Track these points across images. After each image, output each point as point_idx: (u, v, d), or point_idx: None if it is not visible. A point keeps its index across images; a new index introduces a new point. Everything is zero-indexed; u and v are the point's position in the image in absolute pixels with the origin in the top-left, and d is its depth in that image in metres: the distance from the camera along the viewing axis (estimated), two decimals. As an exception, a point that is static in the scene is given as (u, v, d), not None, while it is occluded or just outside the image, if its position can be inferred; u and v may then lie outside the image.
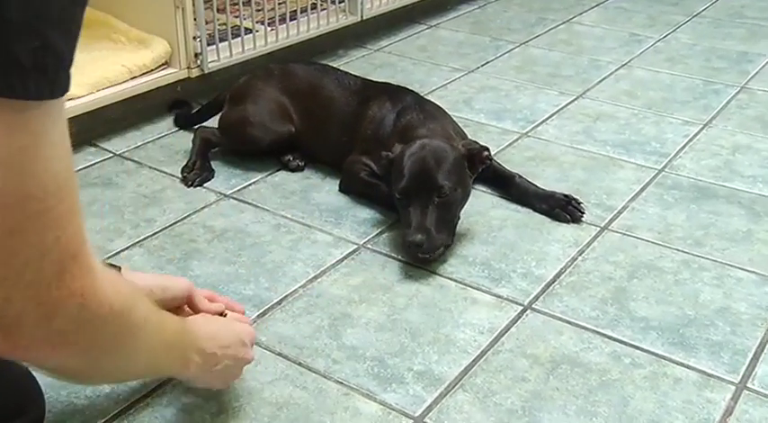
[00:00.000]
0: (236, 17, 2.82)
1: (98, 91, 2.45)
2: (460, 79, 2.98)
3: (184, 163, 2.30)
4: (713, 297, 1.80)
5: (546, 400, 1.51)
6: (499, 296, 1.80)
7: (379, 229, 2.04)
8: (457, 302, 1.78)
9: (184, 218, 2.08)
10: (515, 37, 3.41)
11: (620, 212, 2.13)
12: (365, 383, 1.54)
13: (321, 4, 3.08)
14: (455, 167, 1.90)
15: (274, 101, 2.32)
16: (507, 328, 1.70)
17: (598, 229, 2.05)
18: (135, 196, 2.18)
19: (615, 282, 1.85)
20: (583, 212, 2.08)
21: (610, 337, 1.67)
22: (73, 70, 0.78)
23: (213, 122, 2.47)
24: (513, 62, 3.15)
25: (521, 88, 2.90)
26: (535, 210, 2.11)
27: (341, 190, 2.20)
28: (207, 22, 2.64)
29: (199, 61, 2.63)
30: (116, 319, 0.89)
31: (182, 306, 1.39)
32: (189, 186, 2.22)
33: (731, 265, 1.91)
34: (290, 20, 2.93)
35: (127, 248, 1.95)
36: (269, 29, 2.87)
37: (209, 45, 2.65)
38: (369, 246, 1.98)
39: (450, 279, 1.86)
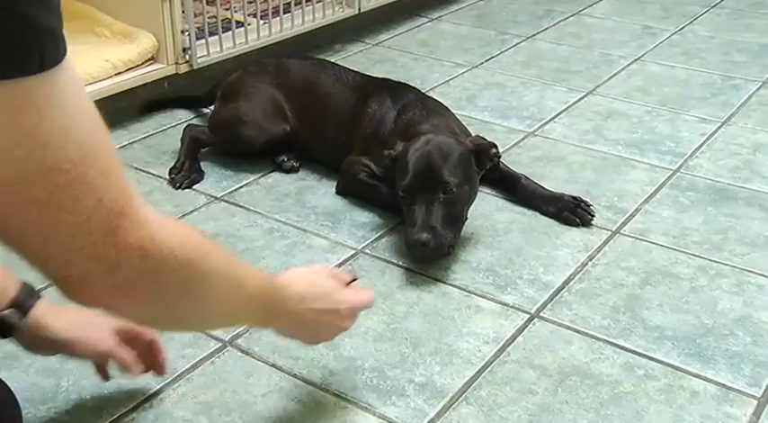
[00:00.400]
0: (227, 9, 2.83)
1: (81, 87, 2.46)
2: (463, 75, 2.99)
3: (172, 164, 2.31)
4: (732, 305, 1.81)
5: (554, 414, 1.52)
6: (505, 304, 1.81)
7: (379, 234, 2.05)
8: (460, 310, 1.78)
9: (172, 221, 2.09)
10: (521, 30, 3.42)
11: (632, 215, 2.14)
12: (364, 396, 1.55)
13: (316, -4, 3.09)
14: (461, 163, 1.92)
15: (268, 98, 2.33)
16: (513, 338, 1.71)
17: (609, 233, 2.06)
18: (120, 199, 2.19)
19: (627, 289, 1.86)
20: (593, 215, 2.09)
21: (622, 348, 1.68)
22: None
23: (203, 120, 2.49)
24: (519, 57, 3.16)
25: (527, 85, 2.92)
26: (543, 213, 2.12)
27: (338, 192, 2.22)
28: (196, 15, 2.65)
29: (187, 56, 2.64)
30: (182, 268, 0.95)
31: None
32: (177, 188, 2.23)
33: (751, 272, 1.92)
34: (284, 12, 2.94)
35: (112, 254, 1.96)
36: (261, 22, 2.88)
37: (198, 39, 2.66)
38: (367, 251, 1.99)
39: (454, 286, 1.87)
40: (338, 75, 2.35)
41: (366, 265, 1.93)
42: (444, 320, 1.75)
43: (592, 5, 3.71)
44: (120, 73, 2.54)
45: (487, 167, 1.99)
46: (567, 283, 1.88)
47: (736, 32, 3.39)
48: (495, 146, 2.00)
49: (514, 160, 2.36)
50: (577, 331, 1.73)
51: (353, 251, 1.98)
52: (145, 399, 1.54)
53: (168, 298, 0.96)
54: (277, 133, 2.30)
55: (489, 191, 2.23)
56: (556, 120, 2.66)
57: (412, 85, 2.35)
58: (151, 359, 1.47)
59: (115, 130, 2.55)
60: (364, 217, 2.12)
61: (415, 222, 1.85)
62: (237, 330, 1.70)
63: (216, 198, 2.21)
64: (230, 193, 2.23)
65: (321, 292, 1.33)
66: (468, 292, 1.84)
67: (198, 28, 2.68)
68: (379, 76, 2.45)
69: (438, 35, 3.37)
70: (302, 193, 2.23)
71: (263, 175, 2.32)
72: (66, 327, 1.36)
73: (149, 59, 2.61)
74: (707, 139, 2.53)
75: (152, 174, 2.31)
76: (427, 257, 1.87)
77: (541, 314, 1.78)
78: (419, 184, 1.88)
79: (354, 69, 2.43)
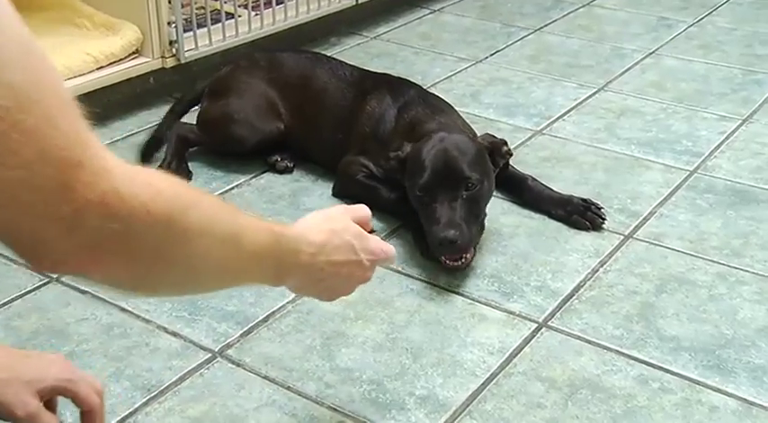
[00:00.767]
0: (217, 0, 2.84)
1: (60, 82, 2.47)
2: (467, 70, 3.00)
3: (158, 164, 2.32)
4: (754, 314, 1.82)
5: (564, 429, 1.53)
6: (511, 312, 1.82)
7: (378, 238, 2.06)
8: (464, 319, 1.79)
9: (159, 225, 2.10)
10: (529, 22, 3.43)
11: (646, 219, 2.15)
12: (361, 410, 1.56)
13: (311, -14, 3.10)
14: (480, 159, 1.94)
15: (260, 94, 2.33)
16: (520, 348, 1.72)
17: (622, 237, 2.07)
18: (103, 201, 2.20)
19: (641, 296, 1.87)
20: (604, 219, 2.10)
21: (636, 359, 1.69)
22: None
23: (191, 117, 2.49)
24: (526, 51, 3.17)
25: (535, 80, 2.93)
26: (551, 216, 2.13)
27: (335, 194, 2.23)
28: (183, 6, 2.66)
29: (174, 50, 2.65)
30: (158, 224, 0.86)
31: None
32: (163, 190, 2.24)
33: (771, 278, 1.93)
34: (277, 4, 2.95)
35: (94, 259, 1.97)
36: (253, 13, 2.89)
37: (185, 31, 2.66)
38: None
39: (457, 293, 1.88)
40: (334, 70, 2.36)
41: (364, 272, 1.94)
42: (447, 330, 1.76)
43: (603, -4, 3.73)
44: (102, 67, 2.54)
45: (500, 166, 2.02)
46: (576, 290, 1.88)
47: (759, 24, 3.40)
48: (506, 142, 2.03)
49: (521, 160, 2.36)
50: (588, 341, 1.73)
51: (351, 256, 1.99)
52: (129, 414, 1.54)
53: (145, 260, 0.88)
54: (270, 132, 2.31)
55: (494, 193, 2.24)
56: (565, 117, 2.67)
57: (412, 80, 2.36)
58: None
59: (97, 128, 2.53)
60: (362, 220, 2.13)
61: (438, 220, 1.86)
62: (227, 340, 1.72)
63: (205, 200, 2.22)
64: (220, 194, 2.24)
65: (341, 243, 1.24)
66: (473, 299, 1.85)
67: (185, 19, 2.69)
68: (378, 71, 2.46)
69: (440, 28, 3.38)
70: (297, 195, 2.24)
71: (255, 177, 2.33)
72: None
73: (133, 53, 2.61)
74: (726, 137, 2.54)
75: (137, 174, 2.32)
76: (454, 255, 1.88)
77: (550, 323, 1.79)
78: (438, 181, 1.89)
79: (352, 64, 2.44)
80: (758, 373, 1.66)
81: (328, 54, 2.71)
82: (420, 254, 1.98)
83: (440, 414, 1.55)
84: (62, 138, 0.78)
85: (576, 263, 1.97)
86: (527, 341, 1.73)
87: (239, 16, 2.87)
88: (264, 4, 2.89)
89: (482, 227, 1.97)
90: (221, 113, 2.33)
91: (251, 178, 2.32)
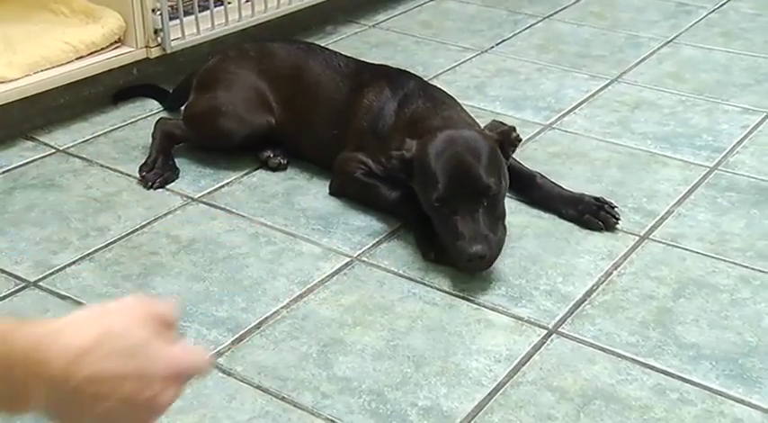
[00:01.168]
0: (204, -14, 2.84)
1: (35, 73, 2.47)
2: (472, 61, 3.01)
3: (143, 160, 2.33)
4: (776, 319, 1.83)
5: (576, 441, 1.55)
6: (519, 318, 1.83)
7: (377, 240, 2.08)
8: (469, 325, 1.81)
9: (144, 226, 2.12)
10: (537, 9, 3.44)
11: (663, 219, 2.16)
12: (360, 422, 1.57)
13: (305, -29, 3.11)
14: (494, 159, 1.95)
15: (250, 87, 2.35)
16: (529, 356, 1.73)
17: (637, 238, 2.09)
18: (83, 200, 2.21)
19: (658, 301, 1.88)
20: (618, 218, 2.11)
21: (652, 368, 1.70)
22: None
23: (177, 112, 2.50)
24: (534, 40, 3.18)
25: (544, 71, 2.94)
26: (561, 216, 2.15)
27: (331, 192, 2.24)
28: (169, -8, 2.68)
29: (159, 39, 2.66)
30: None
31: None
32: (149, 188, 2.25)
33: (796, 282, 1.94)
34: (269, -11, 2.95)
35: (73, 263, 1.98)
36: (243, 0, 2.89)
37: (171, 19, 2.67)
38: (364, 258, 2.01)
39: (461, 297, 1.89)
40: (329, 61, 2.37)
41: (363, 275, 1.95)
42: (451, 336, 1.77)
43: (617, -19, 3.74)
44: (81, 57, 2.55)
45: (511, 156, 2.04)
46: (589, 294, 1.90)
47: (785, 10, 3.40)
48: (514, 128, 2.05)
49: (529, 156, 2.38)
50: (601, 349, 1.74)
51: (348, 259, 2.00)
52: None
53: None
54: (260, 126, 2.32)
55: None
56: (576, 111, 2.68)
57: (413, 72, 2.36)
58: None
59: (76, 122, 2.57)
60: (360, 220, 2.14)
61: (462, 235, 1.87)
62: (218, 348, 1.73)
63: (193, 199, 2.23)
64: (209, 193, 2.25)
65: (117, 350, 0.87)
66: (478, 304, 1.87)
67: (171, 7, 2.70)
68: (376, 62, 2.47)
69: (443, 15, 3.39)
70: (290, 193, 2.25)
71: (246, 174, 2.34)
72: None
73: (115, 42, 2.62)
74: (750, 131, 2.55)
75: (120, 172, 2.33)
76: (483, 269, 1.90)
77: (560, 329, 1.80)
78: (456, 192, 1.89)
79: (348, 55, 2.45)
80: (783, 382, 1.67)
81: (323, 44, 2.72)
82: (422, 256, 2.00)
83: (444, 426, 1.56)
84: None
85: (588, 265, 1.98)
86: (536, 348, 1.74)
87: (229, 3, 2.87)
88: (255, -10, 2.90)
89: (504, 227, 1.98)
90: (208, 106, 2.34)
91: (242, 176, 2.33)
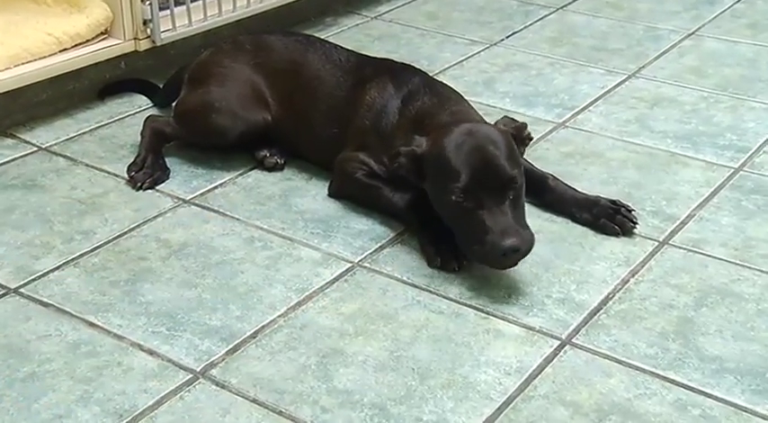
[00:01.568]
0: (196, -26, 2.85)
1: (16, 66, 2.48)
2: (480, 55, 3.02)
3: (131, 160, 2.34)
4: (804, 330, 1.83)
5: (590, 459, 1.55)
6: (530, 328, 1.84)
7: (379, 244, 2.08)
8: (477, 335, 1.81)
9: (132, 229, 2.12)
10: (550, 0, 3.45)
11: (684, 223, 2.17)
12: (362, 437, 1.58)
13: (303, -42, 3.12)
14: (513, 151, 1.98)
15: (245, 81, 2.36)
16: (541, 369, 1.73)
17: (656, 243, 2.09)
18: (67, 202, 2.22)
19: (679, 311, 1.88)
20: (636, 223, 2.12)
21: (672, 382, 1.70)
22: None
23: (168, 109, 2.51)
24: (546, 32, 3.19)
25: (557, 66, 2.95)
26: (575, 220, 2.16)
27: (331, 194, 2.25)
28: (159, -19, 2.68)
29: (149, 30, 2.67)
30: None
31: None
32: (138, 189, 2.26)
33: (825, 290, 1.95)
34: (265, -22, 2.96)
35: (57, 268, 1.99)
36: (237, -11, 2.91)
37: (161, 9, 2.68)
38: (366, 264, 2.02)
39: (469, 306, 1.90)
40: (329, 54, 2.37)
41: (364, 282, 1.96)
42: (458, 347, 1.78)
43: (635, -30, 3.74)
44: (65, 50, 2.56)
45: (523, 153, 2.06)
46: (604, 303, 1.90)
47: (817, 0, 3.40)
48: (526, 125, 2.07)
49: (541, 156, 2.38)
50: (618, 361, 1.75)
51: (349, 264, 2.01)
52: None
53: None
54: (256, 123, 2.33)
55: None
56: (591, 108, 2.69)
57: (417, 67, 2.37)
58: None
59: (60, 119, 2.58)
60: (362, 224, 2.15)
61: (491, 229, 1.87)
62: (211, 359, 1.73)
63: (185, 201, 2.24)
64: (202, 194, 2.26)
65: None
66: (487, 313, 1.87)
67: (161, -4, 2.71)
68: (379, 55, 2.48)
69: (449, 6, 3.39)
70: (288, 195, 2.26)
71: (241, 174, 2.35)
72: None
73: (102, 34, 2.63)
74: (775, 131, 2.57)
75: (107, 172, 2.34)
76: (514, 265, 1.92)
77: (574, 340, 1.80)
78: (481, 184, 1.91)
79: (349, 48, 2.45)
80: (811, 397, 1.67)
81: (323, 36, 2.73)
82: (427, 262, 2.01)
83: (450, 442, 1.57)
84: None
85: (603, 272, 1.99)
86: (548, 360, 1.75)
87: (222, -7, 2.88)
88: (250, -22, 2.90)
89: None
90: (201, 102, 2.35)
91: (237, 176, 2.34)
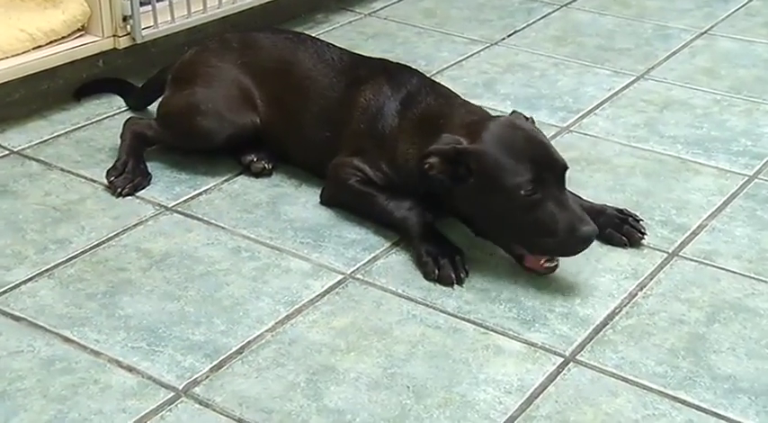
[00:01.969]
0: (179, -32, 2.85)
1: (-12, 64, 2.49)
2: (480, 54, 3.03)
3: (109, 164, 2.34)
4: (822, 348, 1.84)
5: (596, 483, 1.56)
6: (532, 344, 1.84)
7: (373, 254, 2.09)
8: (476, 351, 1.82)
9: (111, 238, 2.13)
10: (555, -4, 3.47)
11: (695, 234, 2.18)
12: (355, 460, 1.59)
13: (293, -49, 3.13)
14: None
15: (232, 82, 2.36)
16: (543, 387, 1.74)
17: (665, 255, 2.10)
18: (41, 209, 2.22)
19: (689, 327, 1.89)
20: (644, 233, 2.13)
21: (683, 402, 1.71)
22: None
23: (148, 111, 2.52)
24: (550, 31, 3.20)
25: (561, 67, 2.96)
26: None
27: (323, 202, 2.26)
28: (139, -26, 2.68)
29: (128, 27, 2.67)
30: None
31: None
32: (118, 195, 2.26)
33: None
34: (252, -28, 2.97)
35: (30, 279, 1.99)
36: (223, -16, 2.91)
37: (142, 5, 2.68)
38: (359, 276, 2.02)
39: (467, 320, 1.90)
40: (321, 53, 2.38)
41: (357, 294, 1.96)
42: (456, 364, 1.78)
43: (644, -35, 3.75)
44: (39, 47, 2.56)
45: None
46: (610, 318, 1.91)
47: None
48: (533, 120, 2.13)
49: (545, 162, 2.39)
50: (625, 380, 1.76)
51: (341, 276, 2.02)
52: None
53: None
54: (243, 126, 2.34)
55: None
56: (597, 111, 2.70)
57: (414, 67, 2.37)
58: None
59: (33, 120, 2.58)
60: (354, 233, 2.16)
61: (563, 219, 1.93)
62: (194, 376, 1.74)
63: (167, 208, 2.24)
64: (185, 201, 2.27)
65: None
66: (486, 328, 1.88)
67: (142, -9, 2.71)
68: (373, 55, 2.48)
69: (448, 3, 3.40)
70: (276, 202, 2.27)
71: (226, 180, 2.35)
72: None
73: (78, 30, 2.64)
74: (792, 136, 2.57)
75: (83, 177, 2.35)
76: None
77: (578, 357, 1.81)
78: (544, 174, 1.96)
79: (341, 47, 2.46)
80: (829, 418, 1.68)
81: (314, 34, 2.73)
82: (423, 275, 2.02)
83: (448, 465, 1.58)
84: None
85: (609, 285, 2.00)
86: (551, 379, 1.76)
87: (207, -13, 2.88)
88: (237, -28, 2.91)
89: None
90: (186, 104, 2.35)
91: (222, 182, 2.34)
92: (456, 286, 1.98)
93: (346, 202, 2.22)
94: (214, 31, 2.73)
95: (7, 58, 2.50)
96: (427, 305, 1.94)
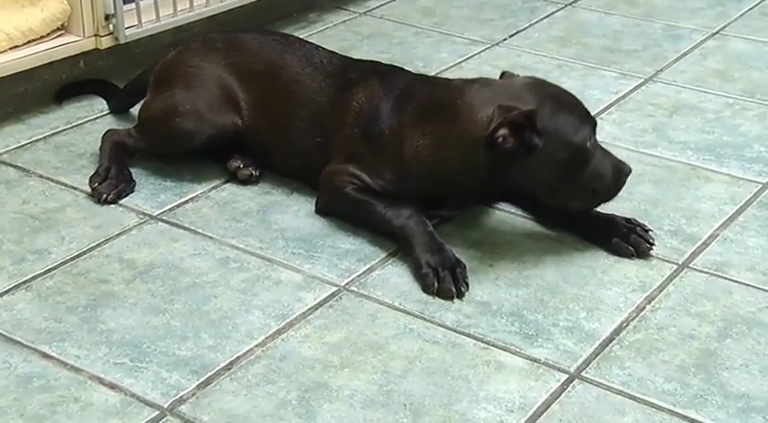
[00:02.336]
0: (164, -36, 2.86)
1: (-40, 65, 2.49)
2: (480, 55, 3.03)
3: (91, 170, 2.35)
4: (841, 365, 1.85)
5: None
6: (535, 360, 1.85)
7: (368, 266, 2.10)
8: (476, 368, 1.82)
9: (93, 248, 2.13)
10: (559, -5, 3.48)
11: (706, 244, 2.18)
12: (349, 481, 1.60)
13: (284, -53, 3.13)
14: None
15: (214, 82, 2.36)
16: (547, 405, 1.74)
17: (675, 267, 2.11)
18: (18, 217, 2.23)
19: (700, 342, 1.89)
20: (652, 243, 2.14)
21: (693, 421, 1.71)
22: None
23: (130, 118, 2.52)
24: (554, 31, 3.21)
25: (565, 68, 2.96)
26: (585, 239, 2.18)
27: (318, 211, 2.26)
28: (122, -29, 2.69)
29: (111, 26, 2.68)
30: None
31: None
32: (103, 202, 2.27)
33: None
34: (241, -31, 2.97)
35: (6, 292, 1.99)
36: (210, -19, 2.92)
37: (126, 3, 2.69)
38: (353, 288, 2.03)
39: (467, 335, 1.90)
40: (310, 56, 2.39)
41: (351, 307, 1.97)
42: (455, 381, 1.79)
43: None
44: (16, 47, 2.57)
45: None
46: (617, 332, 1.91)
47: None
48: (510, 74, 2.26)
49: (549, 169, 2.40)
50: (632, 398, 1.76)
51: (335, 288, 2.02)
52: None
53: None
54: (224, 126, 2.34)
55: (513, 210, 2.28)
56: (603, 115, 2.70)
57: (409, 69, 2.38)
58: None
59: (10, 124, 2.58)
60: (349, 243, 2.17)
61: (612, 163, 2.12)
62: (180, 394, 1.74)
63: (152, 217, 2.25)
64: (171, 210, 2.27)
65: None
66: (487, 343, 1.88)
67: (125, -12, 2.72)
68: (369, 56, 2.49)
69: (447, 1, 3.40)
70: (267, 210, 2.27)
71: (214, 188, 2.36)
72: None
73: (58, 29, 2.65)
74: (809, 142, 2.58)
75: (63, 184, 2.35)
76: None
77: (584, 374, 1.81)
78: (593, 126, 2.12)
79: (335, 48, 2.47)
80: None
81: (306, 34, 2.74)
82: (422, 288, 2.02)
83: (446, 487, 1.59)
84: None
85: (616, 298, 2.00)
86: (555, 396, 1.76)
87: (193, -15, 2.89)
88: (224, -31, 2.92)
89: None
90: (164, 106, 2.36)
91: (209, 190, 2.35)
92: (455, 301, 1.99)
93: (342, 210, 2.22)
94: (201, 31, 2.74)
95: (-19, 58, 2.51)
96: (425, 319, 1.94)
